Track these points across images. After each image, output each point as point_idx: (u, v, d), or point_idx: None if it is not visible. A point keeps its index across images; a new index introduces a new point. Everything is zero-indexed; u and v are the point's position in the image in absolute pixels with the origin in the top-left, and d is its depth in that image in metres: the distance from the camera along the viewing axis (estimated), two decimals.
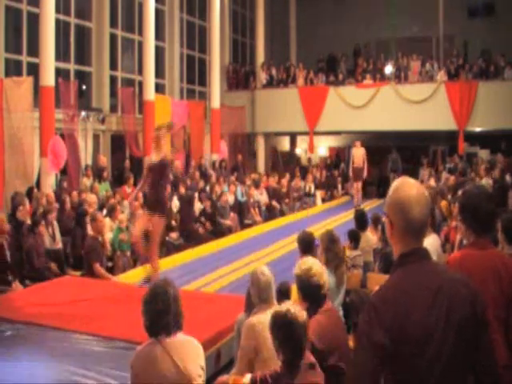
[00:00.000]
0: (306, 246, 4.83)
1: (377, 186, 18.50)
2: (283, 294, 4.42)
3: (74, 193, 9.96)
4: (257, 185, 14.07)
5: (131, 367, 2.89)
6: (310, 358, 2.84)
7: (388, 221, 1.90)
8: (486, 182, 11.96)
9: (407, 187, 1.87)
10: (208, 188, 12.72)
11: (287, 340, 2.77)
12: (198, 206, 11.56)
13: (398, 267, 1.87)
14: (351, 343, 3.53)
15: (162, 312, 2.79)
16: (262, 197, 13.92)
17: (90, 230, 8.69)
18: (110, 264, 8.15)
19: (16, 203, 8.02)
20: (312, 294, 3.32)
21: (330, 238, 4.81)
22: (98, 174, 11.67)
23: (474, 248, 2.56)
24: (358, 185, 15.08)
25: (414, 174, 17.49)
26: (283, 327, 2.79)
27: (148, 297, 2.85)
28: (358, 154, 14.93)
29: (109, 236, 8.48)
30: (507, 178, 12.37)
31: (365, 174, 15.02)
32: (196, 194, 11.82)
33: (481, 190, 2.75)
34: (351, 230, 6.27)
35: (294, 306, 2.91)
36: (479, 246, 2.57)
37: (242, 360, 3.40)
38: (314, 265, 3.40)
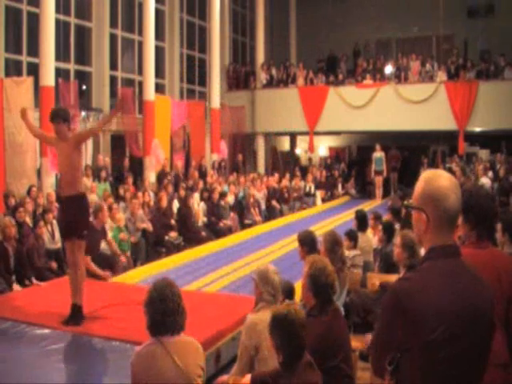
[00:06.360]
0: (311, 245, 4.78)
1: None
2: (287, 294, 4.42)
3: None
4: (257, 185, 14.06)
5: (131, 367, 2.88)
6: (307, 356, 2.83)
7: (422, 216, 1.84)
8: (485, 181, 11.98)
9: (440, 177, 1.85)
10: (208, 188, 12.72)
11: (287, 340, 2.76)
12: (201, 206, 11.56)
13: (426, 261, 1.85)
14: (353, 343, 3.52)
15: (171, 312, 2.80)
16: (261, 197, 13.91)
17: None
18: None
19: (16, 204, 7.99)
20: (324, 292, 3.35)
21: (335, 240, 4.71)
22: (97, 173, 11.66)
23: (474, 247, 2.55)
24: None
25: (413, 175, 17.60)
26: (284, 327, 2.78)
27: (156, 296, 2.83)
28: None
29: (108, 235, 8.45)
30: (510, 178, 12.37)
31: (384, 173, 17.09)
32: (195, 195, 11.81)
33: (483, 190, 2.74)
34: (349, 229, 6.30)
35: (293, 306, 2.91)
36: (479, 245, 2.57)
37: (242, 358, 3.38)
38: (328, 264, 3.43)
